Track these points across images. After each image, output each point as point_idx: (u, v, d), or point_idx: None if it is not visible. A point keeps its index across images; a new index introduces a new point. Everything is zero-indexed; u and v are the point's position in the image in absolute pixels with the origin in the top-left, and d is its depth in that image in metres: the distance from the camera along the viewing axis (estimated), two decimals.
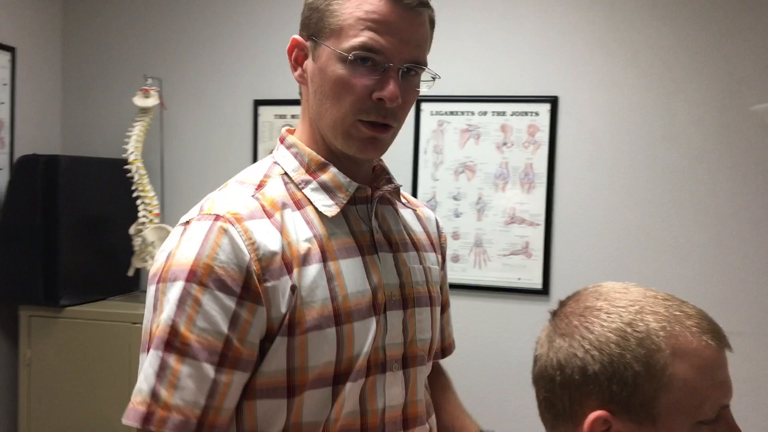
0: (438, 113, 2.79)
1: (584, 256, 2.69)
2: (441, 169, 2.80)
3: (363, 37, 0.95)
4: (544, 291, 2.72)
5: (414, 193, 2.81)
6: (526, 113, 2.72)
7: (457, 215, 2.79)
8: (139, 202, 2.75)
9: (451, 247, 2.79)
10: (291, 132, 1.09)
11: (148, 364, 0.93)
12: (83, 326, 2.63)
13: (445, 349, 1.32)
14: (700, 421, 0.77)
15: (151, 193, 2.76)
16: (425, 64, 1.03)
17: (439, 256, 1.23)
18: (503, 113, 2.74)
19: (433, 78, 1.07)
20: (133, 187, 2.74)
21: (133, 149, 2.74)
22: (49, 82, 3.12)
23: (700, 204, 2.58)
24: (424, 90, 1.07)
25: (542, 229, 2.72)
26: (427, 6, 1.01)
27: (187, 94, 2.99)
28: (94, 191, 2.78)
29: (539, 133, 2.71)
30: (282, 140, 1.08)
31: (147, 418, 0.90)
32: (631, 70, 2.63)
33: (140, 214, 2.74)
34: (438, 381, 1.30)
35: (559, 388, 0.81)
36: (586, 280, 2.59)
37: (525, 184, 2.73)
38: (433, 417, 1.17)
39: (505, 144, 2.74)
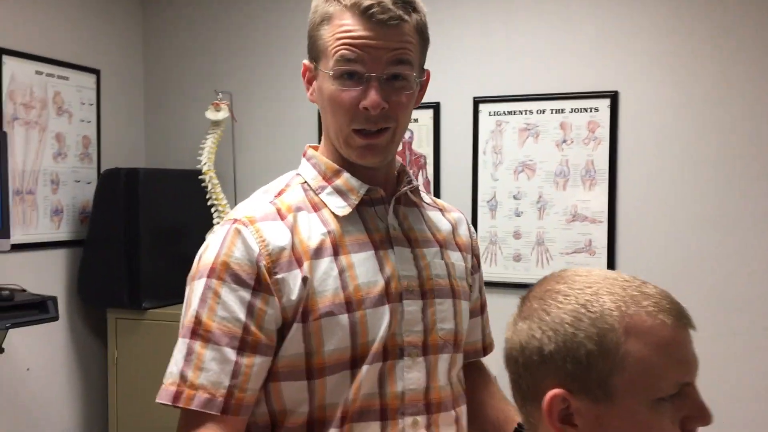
0: (496, 113, 2.81)
1: (649, 253, 2.64)
2: (500, 168, 2.81)
3: (341, 53, 1.05)
4: None
5: (474, 194, 2.85)
6: (585, 109, 2.70)
7: (518, 214, 2.80)
8: (213, 209, 2.91)
9: (513, 247, 2.80)
10: (314, 147, 1.20)
11: (177, 350, 1.04)
12: (164, 327, 2.80)
13: (486, 348, 1.37)
14: (659, 398, 0.77)
15: (224, 201, 2.92)
16: (409, 68, 1.08)
17: (469, 256, 1.28)
18: (562, 110, 2.73)
19: (420, 80, 1.12)
20: (207, 196, 2.91)
21: (206, 160, 2.90)
22: (131, 100, 3.36)
23: None
24: (413, 89, 1.11)
25: (605, 227, 2.69)
26: (402, 19, 1.06)
27: (255, 106, 3.14)
28: (172, 201, 2.97)
29: (599, 129, 2.69)
30: (304, 154, 1.19)
31: (176, 396, 1.01)
32: (693, 62, 2.57)
33: (215, 221, 2.91)
34: (481, 377, 1.35)
35: (522, 369, 0.84)
36: (651, 277, 2.56)
37: (586, 181, 2.71)
38: (464, 407, 1.21)
39: (564, 141, 2.73)
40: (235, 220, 1.07)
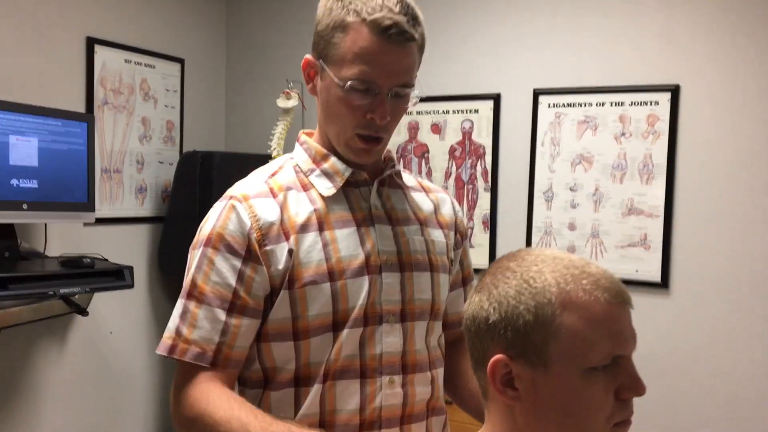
0: (555, 105, 2.84)
1: (706, 248, 2.61)
2: (558, 160, 2.84)
3: (357, 69, 1.14)
4: (664, 284, 2.67)
5: (531, 185, 2.89)
6: (645, 103, 2.69)
7: (574, 206, 2.82)
8: None
9: (567, 238, 2.82)
10: (308, 134, 1.31)
11: (175, 309, 1.19)
12: None
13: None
14: (591, 367, 0.84)
15: None
16: (411, 87, 1.19)
17: (452, 233, 1.37)
18: (621, 103, 2.73)
19: (418, 98, 1.22)
20: None
21: (275, 145, 3.07)
22: (213, 88, 3.58)
23: None
24: (410, 106, 1.22)
25: (661, 221, 2.67)
26: (413, 38, 1.15)
27: None
28: None
29: (659, 123, 2.67)
30: (298, 139, 1.31)
31: (172, 349, 1.16)
32: (755, 57, 2.51)
33: None
34: (463, 347, 1.41)
35: (474, 337, 0.92)
36: (707, 272, 2.58)
37: (644, 174, 2.70)
38: (440, 370, 1.31)
39: (623, 134, 2.73)
40: (232, 197, 1.20)
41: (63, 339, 2.83)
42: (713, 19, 2.57)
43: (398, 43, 1.13)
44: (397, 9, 1.13)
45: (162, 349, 1.18)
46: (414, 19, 1.16)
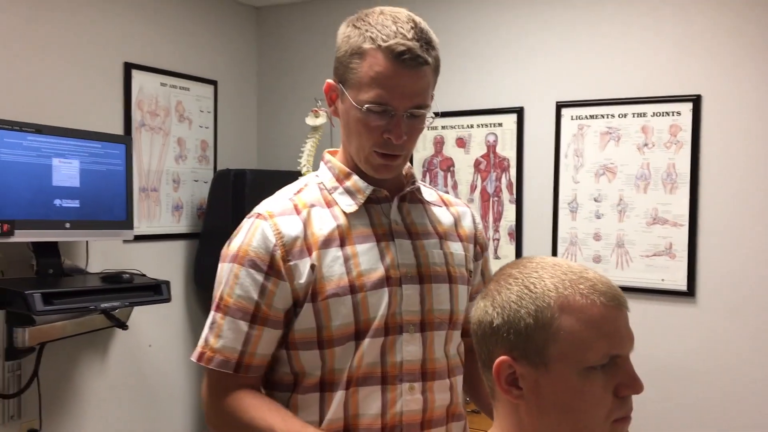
0: (578, 117, 2.88)
1: (732, 256, 2.62)
2: (581, 171, 2.88)
3: (373, 93, 1.21)
4: (690, 292, 2.68)
5: (555, 196, 2.93)
6: (667, 113, 2.72)
7: (598, 216, 2.85)
8: None
9: (593, 248, 2.86)
10: (332, 152, 1.39)
11: (207, 321, 1.28)
12: None
13: None
14: (589, 367, 0.89)
15: None
16: (426, 108, 1.26)
17: (471, 245, 1.43)
18: (644, 114, 2.76)
19: (433, 116, 1.29)
20: None
21: (305, 162, 3.17)
22: (245, 108, 3.71)
23: None
24: (426, 124, 1.29)
25: (686, 230, 2.69)
26: (427, 63, 1.22)
27: None
28: None
29: (681, 133, 2.69)
30: (323, 158, 1.39)
31: (200, 356, 1.26)
32: None
33: None
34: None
35: (480, 340, 0.98)
36: (733, 280, 2.60)
37: (667, 184, 2.72)
38: (459, 377, 1.37)
39: (646, 145, 2.76)
40: (258, 215, 1.28)
41: (104, 352, 2.95)
42: (734, 28, 2.60)
43: (412, 68, 1.20)
44: (410, 35, 1.20)
45: (194, 356, 1.28)
46: (428, 44, 1.23)
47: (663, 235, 2.73)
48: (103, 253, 2.88)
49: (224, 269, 1.27)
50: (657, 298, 2.74)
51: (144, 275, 2.80)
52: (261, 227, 1.25)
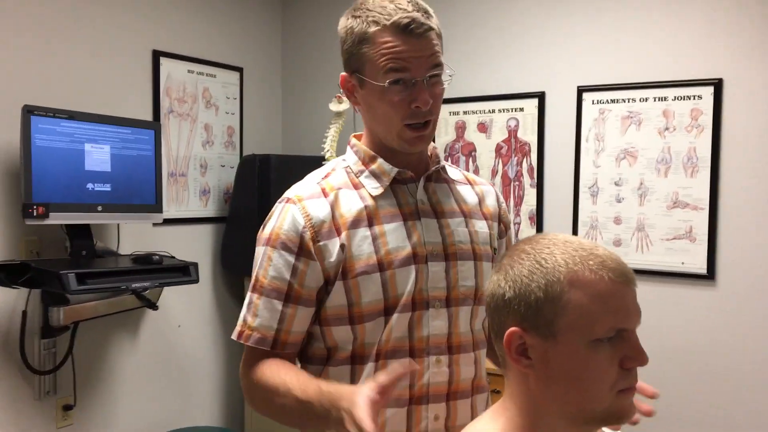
0: (599, 102, 2.90)
1: (753, 240, 2.63)
2: (602, 156, 2.90)
3: (391, 66, 1.26)
4: (710, 275, 2.69)
5: (576, 180, 2.95)
6: (688, 97, 2.72)
7: (619, 200, 2.87)
8: None
9: (613, 232, 2.88)
10: (356, 137, 1.44)
11: (245, 301, 1.35)
12: None
13: None
14: (596, 339, 0.93)
15: None
16: (442, 68, 1.31)
17: (495, 223, 1.48)
18: (665, 98, 2.77)
19: (450, 76, 1.34)
20: None
21: (328, 147, 3.22)
22: (270, 94, 3.77)
23: None
24: (446, 85, 1.34)
25: (707, 213, 2.70)
26: (431, 28, 1.28)
27: None
28: None
29: (702, 117, 2.70)
30: (349, 143, 1.44)
31: (240, 335, 1.34)
32: None
33: None
34: None
35: (493, 312, 1.03)
36: (754, 263, 2.62)
37: (688, 168, 2.73)
38: (483, 351, 1.43)
39: (667, 129, 2.77)
40: (288, 200, 1.34)
41: (135, 331, 3.05)
42: (755, 12, 2.59)
43: (420, 36, 1.26)
44: (410, 8, 1.27)
45: (233, 335, 1.35)
46: (426, 12, 1.30)
47: (683, 219, 2.75)
48: (133, 236, 2.97)
49: (259, 252, 1.34)
50: (677, 281, 2.76)
51: (173, 257, 2.89)
52: (291, 211, 1.31)
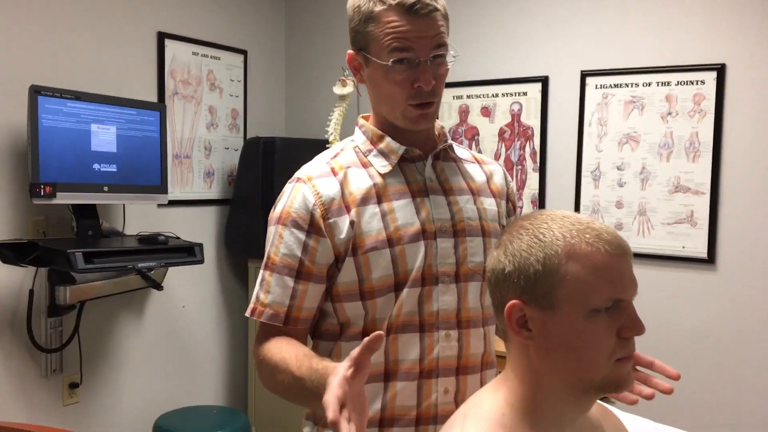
0: (602, 86, 2.91)
1: (753, 224, 2.65)
2: (605, 140, 2.91)
3: (395, 47, 1.28)
4: (710, 260, 2.72)
5: (578, 164, 2.97)
6: (691, 82, 2.73)
7: (621, 185, 2.89)
8: None
9: (615, 216, 2.90)
10: (364, 117, 1.46)
11: (257, 279, 1.37)
12: None
13: None
14: (593, 309, 0.96)
15: None
16: (446, 49, 1.32)
17: (503, 201, 1.51)
18: (668, 83, 2.78)
19: (454, 56, 1.36)
20: None
21: (332, 130, 3.24)
22: (274, 77, 3.78)
23: None
24: (450, 66, 1.35)
25: (708, 198, 2.72)
26: (437, 9, 1.30)
27: None
28: (303, 166, 3.34)
29: (705, 102, 2.71)
30: (357, 123, 1.46)
31: (253, 311, 1.36)
32: None
33: None
34: None
35: (493, 287, 1.05)
36: (754, 248, 2.64)
37: (690, 153, 2.75)
38: (492, 327, 1.45)
39: (669, 114, 2.78)
40: (298, 179, 1.36)
41: (140, 311, 3.09)
42: None
43: (424, 16, 1.27)
44: None
45: (247, 312, 1.37)
46: None
47: (685, 203, 2.77)
48: (138, 217, 3.00)
49: (270, 231, 1.36)
50: (678, 265, 2.78)
51: (178, 238, 2.91)
52: (301, 190, 1.33)
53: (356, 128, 1.45)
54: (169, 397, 3.21)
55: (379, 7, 1.29)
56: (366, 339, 1.04)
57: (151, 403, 3.12)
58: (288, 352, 1.27)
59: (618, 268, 0.98)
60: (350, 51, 1.38)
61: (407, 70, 1.29)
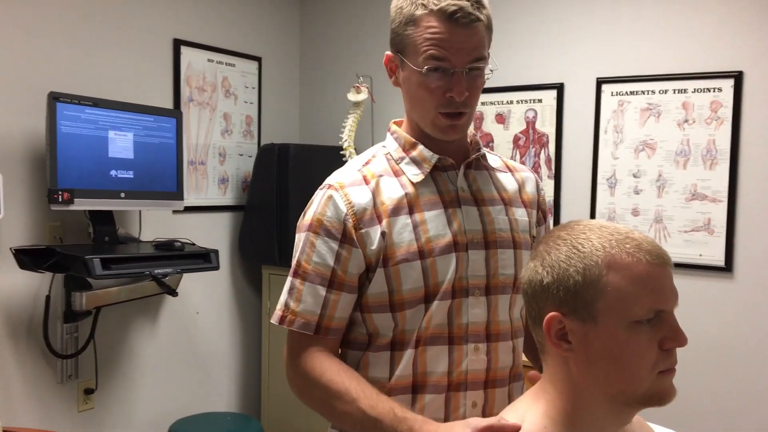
0: (618, 93, 2.90)
1: None
2: (621, 147, 2.91)
3: (431, 54, 1.27)
4: (728, 268, 2.71)
5: (594, 172, 2.96)
6: (708, 90, 2.73)
7: (637, 192, 2.88)
8: None
9: (631, 223, 2.89)
10: (397, 123, 1.45)
11: (285, 286, 1.36)
12: None
13: None
14: (635, 321, 0.95)
15: None
16: (484, 62, 1.31)
17: (534, 211, 1.48)
18: (684, 90, 2.77)
19: (491, 71, 1.34)
20: None
21: (346, 137, 3.24)
22: (288, 84, 3.79)
23: None
24: (487, 79, 1.34)
25: (725, 206, 2.71)
26: (479, 20, 1.28)
27: (393, 88, 3.40)
28: (317, 172, 3.26)
29: (722, 109, 2.70)
30: (389, 129, 1.45)
31: (282, 319, 1.34)
32: None
33: None
34: None
35: (530, 299, 1.04)
36: None
37: (707, 160, 2.74)
38: (521, 339, 1.44)
39: (686, 121, 2.78)
40: (330, 186, 1.34)
41: (155, 317, 3.08)
42: None
43: (465, 25, 1.25)
44: None
45: (274, 319, 1.35)
46: (478, 3, 1.28)
47: (702, 211, 2.76)
48: (153, 223, 3.00)
49: (301, 238, 1.34)
50: (694, 273, 2.77)
51: (194, 244, 2.91)
52: (333, 198, 1.32)
53: (388, 134, 1.44)
54: (184, 404, 3.20)
55: (420, 11, 1.27)
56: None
57: (166, 409, 3.12)
58: (352, 383, 1.26)
59: (659, 279, 0.97)
60: (388, 52, 1.37)
61: (441, 78, 1.28)
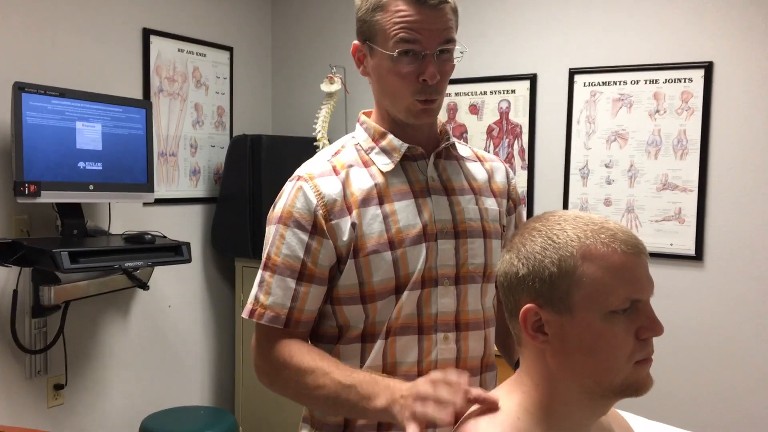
0: (590, 84, 2.92)
1: (740, 222, 2.67)
2: (593, 138, 2.92)
3: (401, 36, 1.26)
4: (698, 257, 2.74)
5: (567, 162, 2.98)
6: (679, 80, 2.75)
7: (609, 182, 2.90)
8: None
9: (603, 213, 2.91)
10: (366, 113, 1.43)
11: (256, 279, 1.34)
12: None
13: None
14: (611, 311, 0.94)
15: None
16: (453, 44, 1.30)
17: (504, 200, 1.48)
18: (656, 81, 2.79)
19: (461, 53, 1.33)
20: None
21: (320, 128, 3.22)
22: (260, 74, 3.75)
23: None
24: (457, 62, 1.33)
25: (695, 195, 2.74)
26: (446, 1, 1.27)
27: (366, 79, 3.40)
28: (290, 164, 3.22)
29: (693, 99, 2.73)
30: (358, 120, 1.43)
31: (252, 313, 1.32)
32: None
33: None
34: None
35: (506, 291, 1.03)
36: (741, 245, 2.66)
37: (678, 150, 2.77)
38: (492, 329, 1.43)
39: (657, 111, 2.80)
40: (299, 177, 1.32)
41: (126, 311, 3.04)
42: None
43: (433, 7, 1.25)
44: None
45: (245, 313, 1.33)
46: None
47: (673, 201, 2.78)
48: (123, 216, 2.95)
49: (271, 231, 1.32)
50: (665, 262, 2.80)
51: (165, 237, 2.87)
52: (302, 189, 1.30)
53: (357, 125, 1.42)
54: (156, 398, 3.16)
55: None
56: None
57: (138, 404, 3.08)
58: (323, 361, 1.25)
59: (634, 268, 0.96)
60: (355, 42, 1.35)
61: (412, 63, 1.26)
